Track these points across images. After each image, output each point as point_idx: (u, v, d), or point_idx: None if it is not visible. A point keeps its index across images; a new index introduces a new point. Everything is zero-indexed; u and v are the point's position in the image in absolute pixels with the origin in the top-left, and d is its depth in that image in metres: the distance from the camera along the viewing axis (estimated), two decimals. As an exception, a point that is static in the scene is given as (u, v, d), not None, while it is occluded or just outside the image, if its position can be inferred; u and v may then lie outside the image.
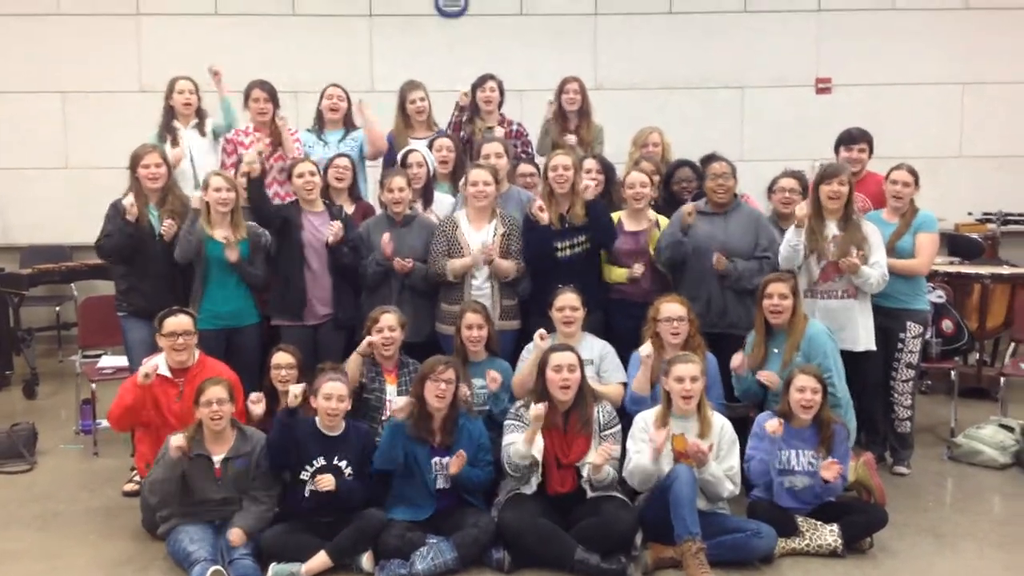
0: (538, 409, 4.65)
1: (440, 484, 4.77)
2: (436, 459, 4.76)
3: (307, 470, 4.68)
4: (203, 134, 6.47)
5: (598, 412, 4.85)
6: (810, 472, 4.85)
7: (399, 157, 6.18)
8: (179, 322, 5.04)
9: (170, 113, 6.44)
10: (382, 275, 5.65)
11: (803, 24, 9.40)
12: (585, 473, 4.71)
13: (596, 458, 4.64)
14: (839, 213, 5.52)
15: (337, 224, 5.60)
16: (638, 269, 5.63)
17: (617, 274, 5.70)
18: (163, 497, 4.71)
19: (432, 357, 4.91)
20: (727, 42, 9.40)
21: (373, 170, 6.75)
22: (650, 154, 6.37)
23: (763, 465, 4.87)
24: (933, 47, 9.41)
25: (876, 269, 5.45)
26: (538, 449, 4.69)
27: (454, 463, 4.70)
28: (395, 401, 5.02)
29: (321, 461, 4.69)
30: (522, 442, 4.69)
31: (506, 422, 4.89)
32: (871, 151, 6.23)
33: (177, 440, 4.60)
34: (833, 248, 5.43)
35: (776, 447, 4.87)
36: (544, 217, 5.51)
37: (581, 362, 4.86)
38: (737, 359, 5.23)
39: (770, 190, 6.02)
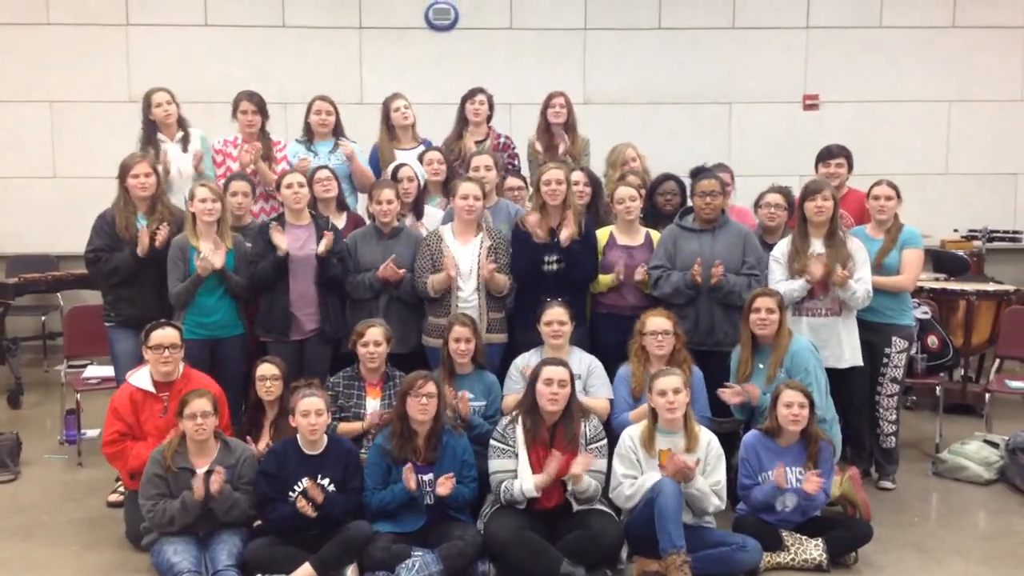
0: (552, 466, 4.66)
1: (425, 500, 4.74)
2: (421, 476, 4.72)
3: (292, 492, 4.65)
4: (185, 150, 6.34)
5: (585, 427, 4.85)
6: (799, 489, 4.85)
7: (389, 171, 6.19)
8: (166, 335, 5.01)
9: (152, 127, 6.33)
10: (371, 292, 5.65)
11: (791, 41, 9.45)
12: (569, 486, 4.71)
13: (575, 467, 4.62)
14: (824, 229, 5.55)
15: (327, 234, 5.57)
16: (622, 270, 5.62)
17: (603, 281, 5.70)
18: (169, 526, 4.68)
19: (412, 373, 4.90)
20: (715, 58, 9.44)
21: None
22: (633, 170, 6.38)
23: (763, 496, 4.87)
24: (920, 64, 9.48)
25: (861, 285, 5.48)
26: (539, 488, 4.70)
27: (444, 485, 4.67)
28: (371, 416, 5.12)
29: (305, 482, 4.65)
30: (531, 487, 4.68)
31: (492, 442, 4.88)
32: (850, 166, 6.27)
33: (199, 491, 4.59)
34: (814, 261, 5.46)
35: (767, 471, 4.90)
36: (540, 233, 5.51)
37: (572, 378, 4.87)
38: (728, 393, 5.25)
39: (756, 205, 6.04)
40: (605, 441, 4.89)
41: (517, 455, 4.78)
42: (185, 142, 6.35)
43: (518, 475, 4.74)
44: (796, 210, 5.67)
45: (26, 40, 9.03)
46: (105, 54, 9.08)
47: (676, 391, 4.72)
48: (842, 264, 5.44)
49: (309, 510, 4.55)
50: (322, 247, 5.53)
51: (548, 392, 4.77)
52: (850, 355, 5.57)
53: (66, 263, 8.67)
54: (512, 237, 5.70)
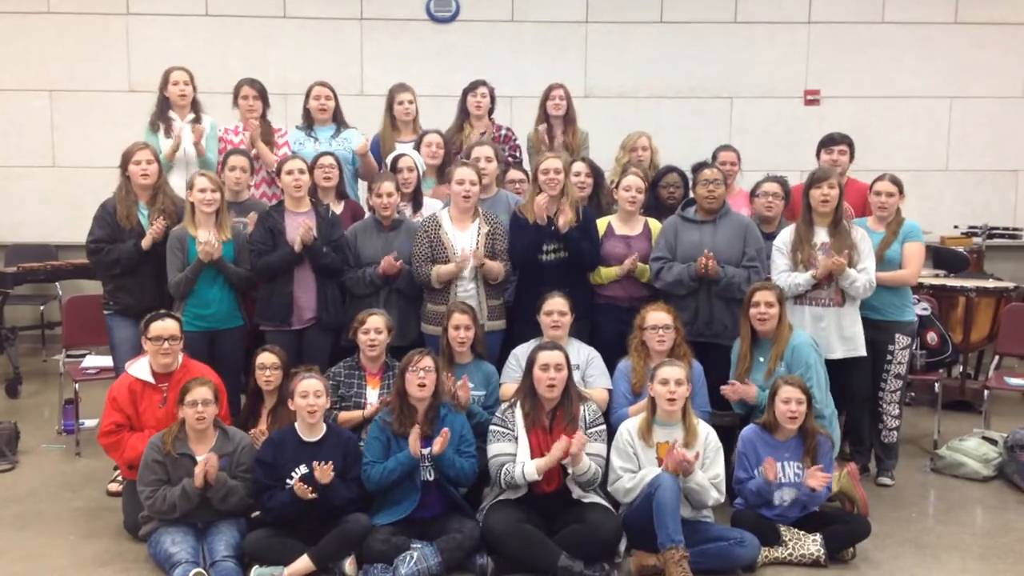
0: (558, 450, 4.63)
1: (424, 475, 4.75)
2: (420, 451, 4.71)
3: (290, 480, 4.65)
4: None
5: (584, 410, 4.86)
6: (797, 484, 4.86)
7: (388, 161, 6.18)
8: (165, 326, 5.01)
9: (165, 103, 6.31)
10: (372, 288, 5.64)
11: (793, 36, 9.44)
12: (570, 470, 4.70)
13: (572, 447, 4.59)
14: (829, 217, 5.54)
15: (305, 224, 5.50)
16: (629, 263, 5.61)
17: (605, 274, 5.69)
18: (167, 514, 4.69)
19: (411, 351, 4.91)
20: (717, 52, 9.44)
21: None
22: (639, 159, 6.38)
23: (756, 488, 4.86)
24: (922, 60, 9.47)
25: (863, 275, 5.46)
26: (541, 472, 4.68)
27: (438, 443, 4.66)
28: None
29: (303, 469, 4.66)
30: (533, 471, 4.66)
31: (491, 426, 4.88)
32: (852, 155, 6.28)
33: (199, 478, 4.58)
34: (821, 256, 5.46)
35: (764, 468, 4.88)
36: (541, 213, 5.48)
37: (568, 361, 4.87)
38: (729, 391, 5.25)
39: (753, 194, 6.04)
40: (604, 425, 4.90)
41: (517, 438, 4.77)
42: (195, 124, 6.31)
43: (517, 458, 4.73)
44: (801, 198, 5.63)
45: (27, 29, 9.04)
46: (105, 43, 9.09)
47: (679, 382, 4.72)
48: (848, 253, 5.44)
49: (308, 493, 4.53)
50: (298, 245, 5.48)
51: (545, 377, 4.77)
52: (852, 346, 5.56)
53: (65, 252, 8.68)
54: (511, 223, 5.70)
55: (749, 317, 5.28)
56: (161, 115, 6.30)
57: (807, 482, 4.77)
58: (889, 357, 5.77)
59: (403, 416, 4.80)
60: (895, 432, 5.87)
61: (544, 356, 4.82)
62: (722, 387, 5.25)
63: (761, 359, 5.30)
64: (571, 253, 5.57)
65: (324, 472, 4.56)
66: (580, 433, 4.68)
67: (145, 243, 5.54)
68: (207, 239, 5.39)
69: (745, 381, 5.26)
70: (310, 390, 4.72)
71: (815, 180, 5.56)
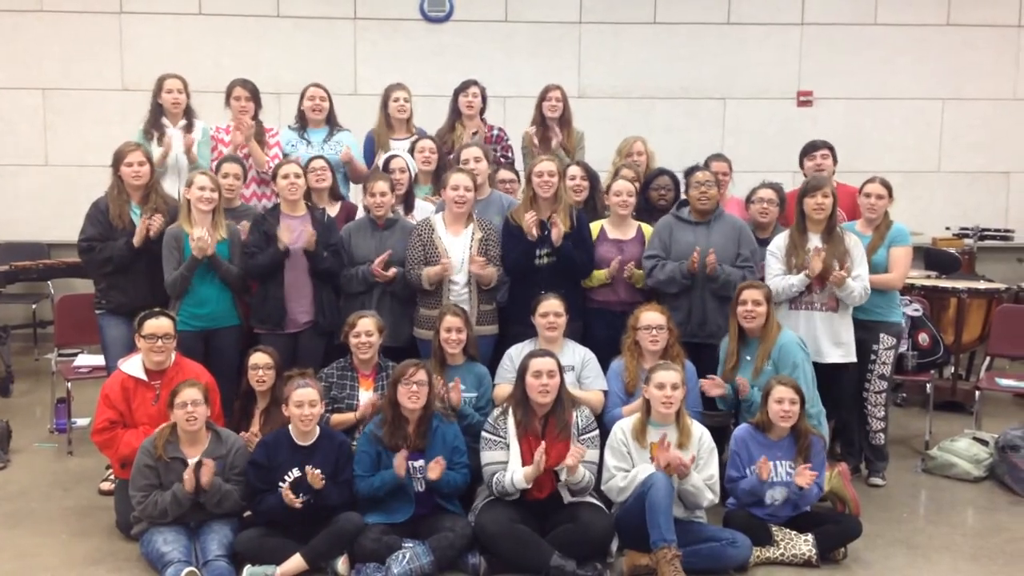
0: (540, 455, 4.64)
1: (416, 487, 4.75)
2: (411, 463, 4.72)
3: (282, 484, 4.64)
4: None
5: (576, 416, 4.86)
6: (788, 483, 4.87)
7: (380, 162, 6.18)
8: (159, 324, 4.99)
9: (158, 111, 6.27)
10: (364, 286, 5.65)
11: (786, 37, 9.46)
12: (562, 477, 4.71)
13: (568, 459, 4.63)
14: (823, 225, 5.56)
15: (308, 230, 5.53)
16: (616, 265, 5.62)
17: (596, 278, 5.70)
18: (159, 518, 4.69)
19: (404, 361, 4.90)
20: (710, 53, 9.45)
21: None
22: (634, 163, 6.39)
23: (749, 487, 4.88)
24: (914, 62, 9.50)
25: (858, 282, 5.48)
26: (529, 480, 4.69)
27: (434, 469, 4.67)
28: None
29: (295, 473, 4.65)
30: (521, 479, 4.67)
31: (483, 434, 4.88)
32: (835, 159, 6.35)
33: (189, 483, 4.59)
34: (813, 256, 5.48)
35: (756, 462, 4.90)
36: (535, 232, 5.49)
37: (560, 368, 4.87)
38: (709, 384, 5.27)
39: (748, 200, 6.05)
40: (597, 432, 4.90)
41: (508, 446, 4.78)
42: (188, 131, 6.26)
43: (509, 467, 4.74)
44: (795, 206, 5.67)
45: (20, 27, 9.00)
46: (99, 42, 9.06)
47: (675, 387, 4.73)
48: (840, 260, 5.45)
49: (296, 502, 4.55)
50: (303, 242, 5.49)
51: (538, 384, 4.77)
52: (845, 352, 5.58)
53: (57, 251, 8.66)
54: (503, 230, 5.69)
55: (737, 315, 5.29)
56: (154, 123, 6.24)
57: (796, 480, 4.79)
58: (873, 357, 5.77)
59: (394, 427, 4.79)
60: (882, 434, 5.88)
61: (536, 363, 4.81)
62: (701, 380, 5.27)
63: (748, 357, 5.32)
64: (564, 263, 5.55)
65: (315, 478, 4.57)
66: (575, 447, 4.69)
67: (137, 240, 5.52)
68: (200, 234, 5.38)
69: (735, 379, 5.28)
70: (305, 399, 4.71)
71: (809, 189, 5.59)
